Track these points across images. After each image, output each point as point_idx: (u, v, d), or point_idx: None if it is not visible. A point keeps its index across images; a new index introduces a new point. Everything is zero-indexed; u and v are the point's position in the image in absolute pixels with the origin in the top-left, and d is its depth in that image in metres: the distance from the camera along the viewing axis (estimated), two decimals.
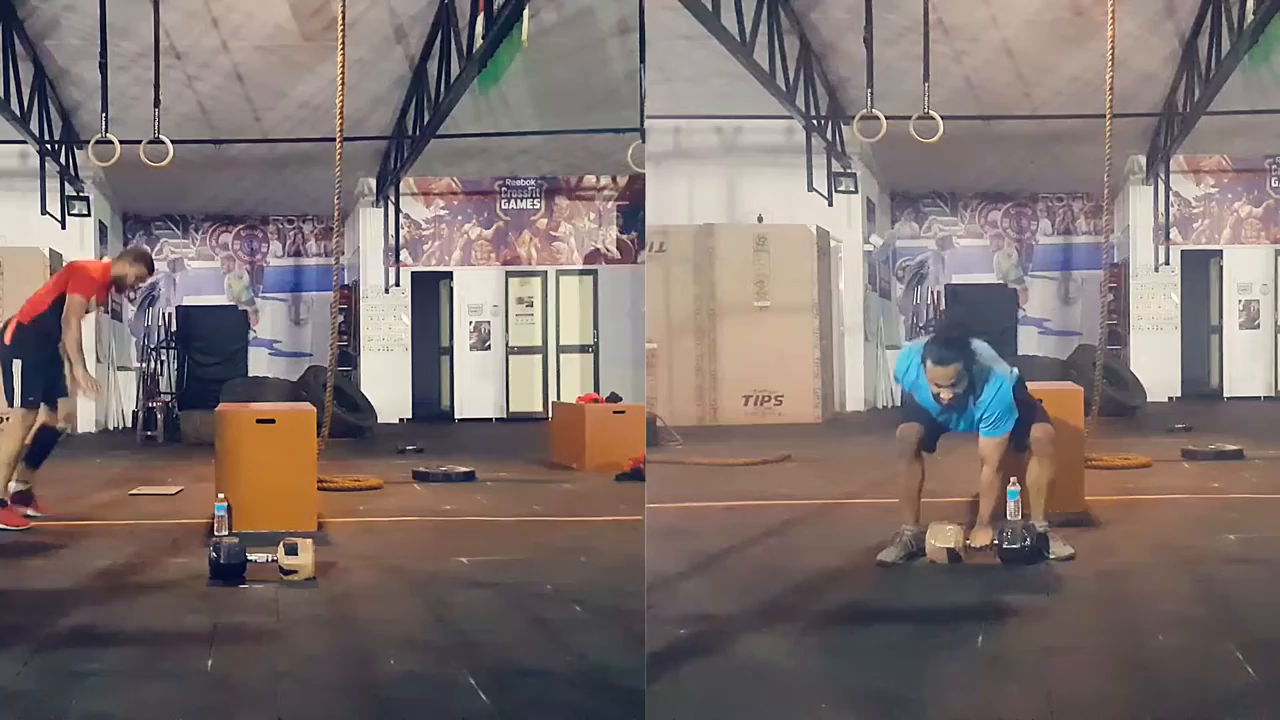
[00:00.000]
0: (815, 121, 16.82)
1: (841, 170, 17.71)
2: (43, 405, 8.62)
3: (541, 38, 13.64)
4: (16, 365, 8.44)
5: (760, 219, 17.12)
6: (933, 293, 19.11)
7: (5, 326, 8.71)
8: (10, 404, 8.58)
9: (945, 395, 6.76)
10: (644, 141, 15.12)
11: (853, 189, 17.80)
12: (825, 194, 17.63)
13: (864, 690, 4.93)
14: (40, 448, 8.79)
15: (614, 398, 13.41)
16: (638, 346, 17.05)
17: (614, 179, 19.34)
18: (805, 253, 16.50)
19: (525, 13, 11.77)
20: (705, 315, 16.27)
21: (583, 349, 19.37)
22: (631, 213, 19.40)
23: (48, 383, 8.64)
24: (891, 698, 4.85)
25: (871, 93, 13.96)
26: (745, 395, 16.11)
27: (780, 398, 16.10)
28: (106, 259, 10.34)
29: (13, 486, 8.61)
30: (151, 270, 9.29)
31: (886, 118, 13.63)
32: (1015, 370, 7.07)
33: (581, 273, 19.51)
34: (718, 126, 17.99)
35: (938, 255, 19.71)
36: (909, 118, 13.68)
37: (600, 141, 17.12)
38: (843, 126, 17.23)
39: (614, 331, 19.02)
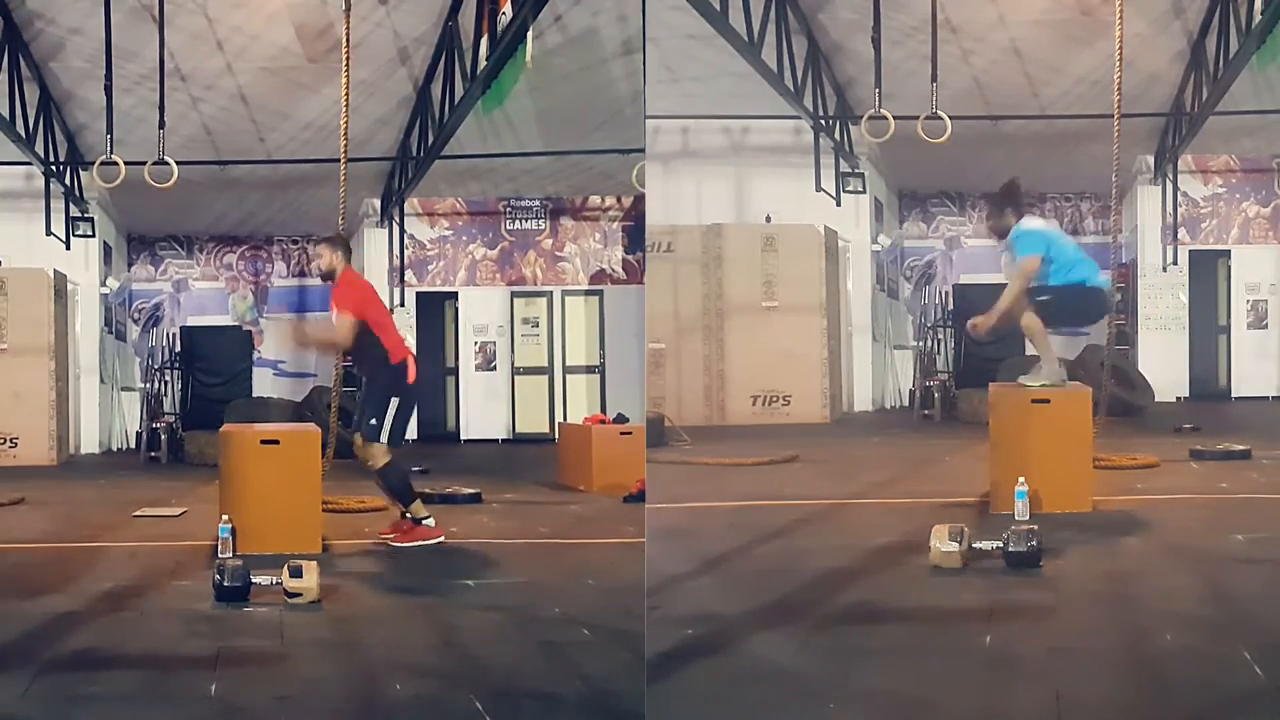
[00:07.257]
0: (823, 121, 16.79)
1: (849, 170, 17.64)
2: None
3: (545, 59, 13.63)
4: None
5: (768, 219, 17.09)
6: (941, 292, 19.23)
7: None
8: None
9: None
10: (645, 156, 15.08)
11: (861, 189, 17.74)
12: (833, 194, 17.59)
13: (875, 692, 4.90)
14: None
15: (621, 418, 13.37)
16: (644, 367, 16.99)
17: (619, 199, 19.32)
18: (813, 252, 16.48)
19: (529, 34, 11.78)
20: (713, 315, 16.25)
21: (589, 369, 19.32)
22: (637, 232, 19.37)
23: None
24: (903, 698, 4.83)
25: (879, 93, 13.93)
26: (753, 395, 16.08)
27: (788, 398, 16.07)
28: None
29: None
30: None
31: (894, 118, 13.59)
32: None
33: (587, 293, 19.47)
34: (725, 126, 17.96)
35: (946, 255, 19.72)
36: (917, 118, 13.63)
37: (605, 162, 17.12)
38: (851, 126, 17.19)
39: (620, 352, 18.96)
